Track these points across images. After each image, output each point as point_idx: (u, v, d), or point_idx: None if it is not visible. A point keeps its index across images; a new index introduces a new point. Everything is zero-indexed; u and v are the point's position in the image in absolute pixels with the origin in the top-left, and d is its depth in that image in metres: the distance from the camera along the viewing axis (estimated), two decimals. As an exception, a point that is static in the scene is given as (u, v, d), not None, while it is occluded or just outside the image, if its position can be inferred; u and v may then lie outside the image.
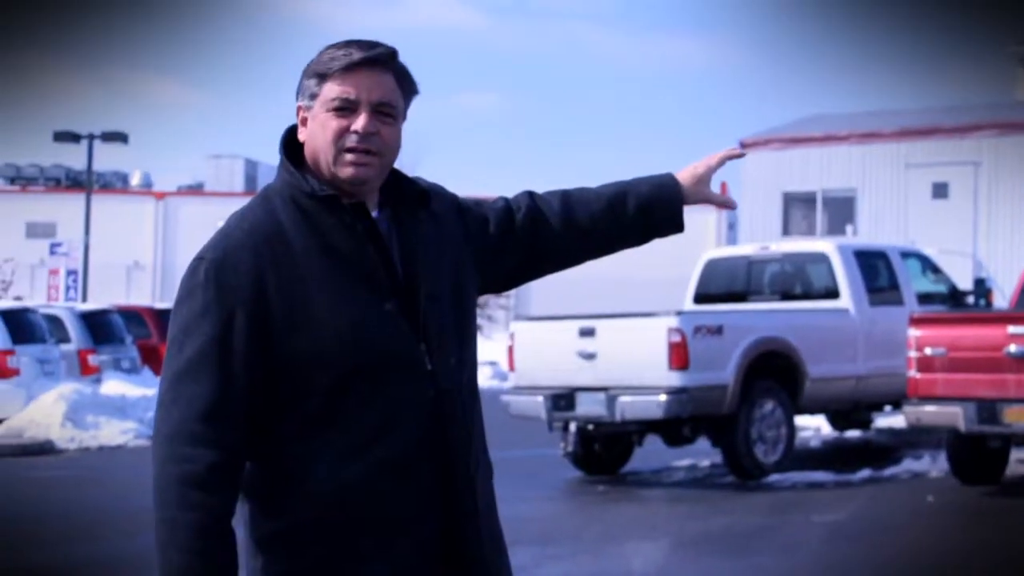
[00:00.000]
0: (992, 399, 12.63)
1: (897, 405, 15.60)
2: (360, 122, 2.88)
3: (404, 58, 3.01)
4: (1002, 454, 13.70)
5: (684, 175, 3.31)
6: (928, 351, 13.05)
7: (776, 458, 14.46)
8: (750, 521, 11.79)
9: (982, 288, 17.12)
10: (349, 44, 2.92)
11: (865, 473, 14.46)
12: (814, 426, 19.05)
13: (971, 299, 17.05)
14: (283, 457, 2.85)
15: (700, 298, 16.63)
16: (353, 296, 2.86)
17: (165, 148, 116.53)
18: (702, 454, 15.88)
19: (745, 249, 17.52)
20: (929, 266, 17.41)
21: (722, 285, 16.66)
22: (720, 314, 14.93)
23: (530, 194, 3.29)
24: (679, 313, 14.30)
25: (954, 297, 17.00)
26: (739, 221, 30.32)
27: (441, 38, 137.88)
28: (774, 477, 14.26)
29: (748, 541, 10.80)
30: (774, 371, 14.67)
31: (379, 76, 2.91)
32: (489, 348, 49.64)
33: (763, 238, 23.98)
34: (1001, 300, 20.18)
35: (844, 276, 15.83)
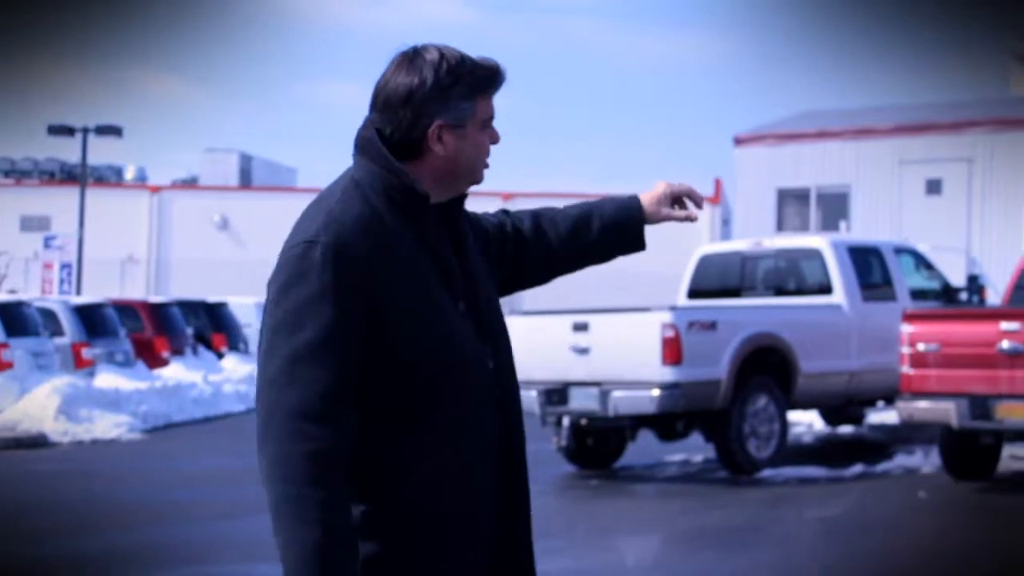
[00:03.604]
0: (985, 395, 12.66)
1: (890, 401, 15.63)
2: (497, 134, 3.06)
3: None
4: (994, 450, 13.73)
5: (647, 197, 3.48)
6: (921, 347, 13.07)
7: (769, 453, 14.48)
8: (743, 516, 11.81)
9: (975, 285, 17.13)
10: (480, 62, 3.02)
11: (857, 469, 14.48)
12: (807, 421, 19.07)
13: (964, 295, 17.06)
14: (375, 444, 2.92)
15: (694, 293, 16.64)
16: (440, 295, 2.96)
17: (159, 142, 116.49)
18: (695, 449, 15.90)
19: (739, 245, 17.52)
20: (922, 262, 17.43)
21: (716, 280, 16.68)
22: (713, 309, 14.94)
23: (507, 212, 3.44)
24: (673, 308, 14.31)
25: (947, 293, 17.02)
26: (733, 217, 30.33)
27: (434, 35, 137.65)
28: (767, 472, 14.27)
29: (741, 536, 10.82)
30: (767, 366, 14.68)
31: None
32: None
33: (757, 234, 23.96)
34: (994, 297, 20.21)
35: (837, 272, 15.85)
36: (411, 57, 3.01)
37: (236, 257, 55.36)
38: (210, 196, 57.22)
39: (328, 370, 2.83)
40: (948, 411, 12.82)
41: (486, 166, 3.07)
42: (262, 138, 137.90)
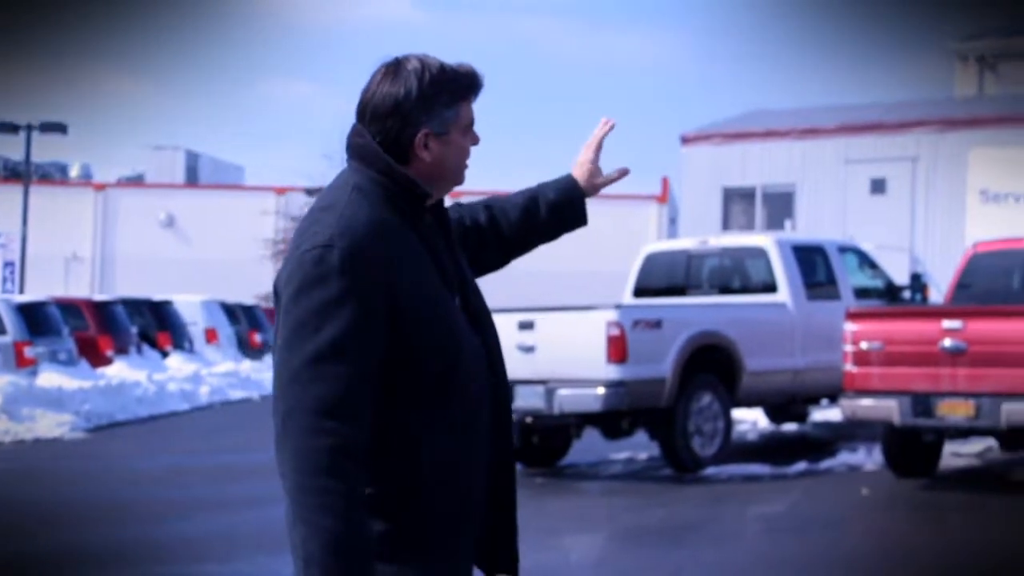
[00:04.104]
0: (927, 393, 12.74)
1: (833, 399, 15.71)
2: (477, 137, 3.25)
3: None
4: (936, 447, 13.84)
5: (579, 173, 3.77)
6: (864, 345, 13.15)
7: (713, 451, 14.52)
8: (686, 513, 11.85)
9: (918, 283, 17.25)
10: (464, 72, 3.19)
11: (801, 466, 14.55)
12: (751, 419, 19.14)
13: (907, 294, 17.18)
14: (396, 430, 3.09)
15: (640, 292, 16.67)
16: (441, 291, 3.15)
17: (105, 139, 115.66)
18: (640, 447, 15.93)
19: (684, 243, 17.56)
20: (866, 261, 17.53)
21: (661, 279, 16.72)
22: (659, 308, 14.97)
23: (461, 206, 3.67)
24: (618, 307, 14.33)
25: (890, 292, 17.13)
26: (680, 215, 30.41)
27: (384, 34, 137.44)
28: (711, 470, 14.32)
29: (684, 533, 10.85)
30: (712, 364, 14.72)
31: None
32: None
33: (703, 232, 24.03)
34: (937, 295, 20.34)
35: (782, 270, 15.91)
36: (394, 68, 3.16)
37: (182, 255, 55.05)
38: (156, 194, 56.89)
39: (348, 369, 2.98)
40: (891, 409, 12.90)
41: (467, 167, 3.25)
42: (210, 136, 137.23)
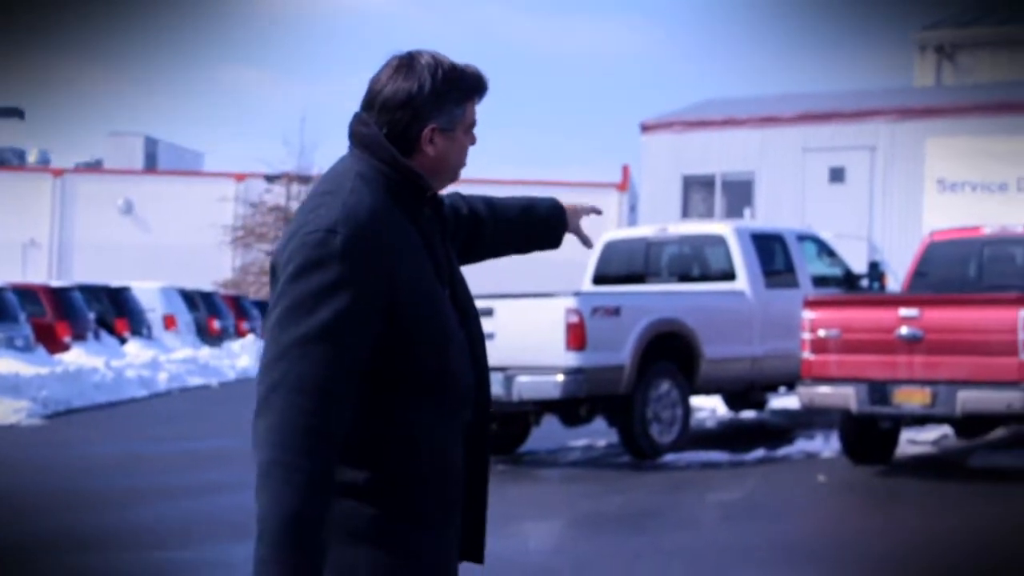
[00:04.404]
0: (883, 380, 12.82)
1: (791, 386, 15.77)
2: (475, 137, 3.34)
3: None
4: (892, 435, 13.92)
5: (567, 206, 3.98)
6: (822, 333, 13.21)
7: (672, 438, 14.57)
8: (645, 500, 11.89)
9: (876, 271, 17.33)
10: (472, 72, 3.29)
11: (759, 453, 14.62)
12: (710, 407, 19.21)
13: (865, 282, 17.26)
14: (396, 416, 3.17)
15: (599, 279, 16.70)
16: (436, 285, 3.25)
17: (63, 125, 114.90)
18: (598, 434, 15.97)
19: (644, 231, 17.59)
20: (825, 249, 17.60)
21: (621, 266, 16.75)
22: (618, 295, 14.99)
23: (462, 196, 3.77)
24: (577, 294, 14.35)
25: (848, 280, 17.21)
26: (640, 203, 30.48)
27: (349, 20, 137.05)
28: (669, 457, 14.37)
29: (643, 520, 10.89)
30: (671, 352, 14.77)
31: None
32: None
33: (663, 220, 24.08)
34: (894, 283, 20.47)
35: (741, 258, 15.97)
36: (408, 62, 3.25)
37: (140, 241, 54.80)
38: (114, 180, 56.58)
39: (335, 352, 3.03)
40: (848, 396, 12.97)
41: (464, 166, 3.35)
42: (168, 122, 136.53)
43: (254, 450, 3.03)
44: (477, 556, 3.45)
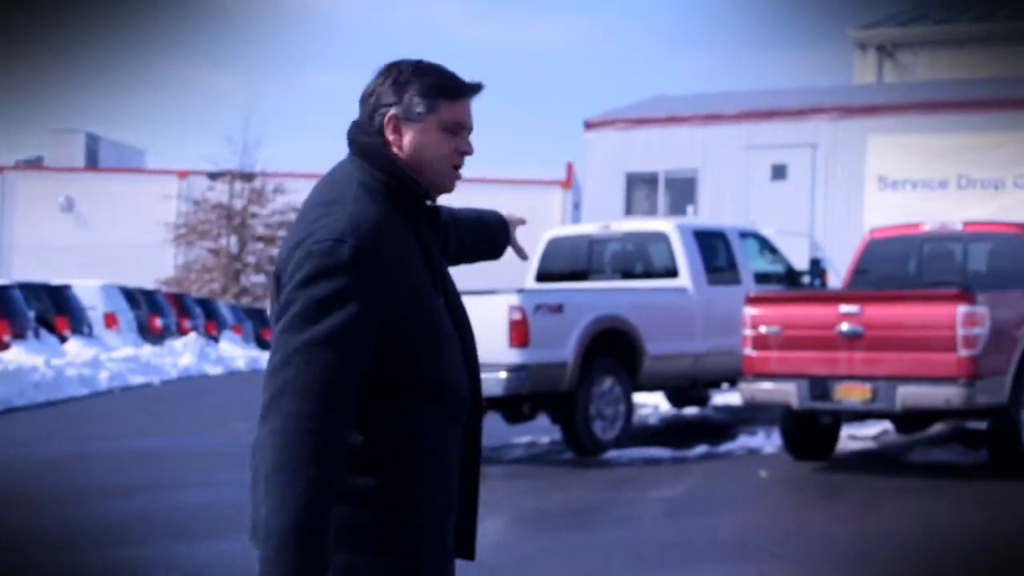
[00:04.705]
0: (824, 377, 12.90)
1: (734, 382, 15.85)
2: (469, 146, 3.40)
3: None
4: (833, 430, 14.01)
5: (507, 218, 4.16)
6: (763, 329, 13.28)
7: (614, 435, 14.61)
8: (588, 497, 11.91)
9: (817, 268, 17.44)
10: (449, 73, 3.40)
11: (701, 449, 14.68)
12: (653, 403, 19.28)
13: (806, 279, 17.37)
14: (395, 424, 3.27)
15: (542, 276, 16.71)
16: (433, 292, 3.35)
17: (3, 122, 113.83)
18: (541, 431, 15.99)
19: (587, 228, 17.62)
20: (767, 246, 17.69)
21: (564, 263, 16.76)
22: (561, 292, 15.01)
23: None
24: (520, 291, 14.36)
25: (790, 277, 17.31)
26: (584, 200, 30.53)
27: (291, 14, 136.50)
28: (612, 453, 14.40)
29: (586, 516, 10.91)
30: (613, 349, 14.80)
31: (470, 104, 3.43)
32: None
33: (606, 217, 24.13)
34: (835, 280, 20.58)
35: (683, 255, 16.02)
36: (389, 65, 3.41)
37: (81, 239, 54.42)
38: (55, 177, 56.19)
39: (340, 360, 3.11)
40: (789, 392, 13.05)
41: (457, 177, 3.41)
42: (110, 119, 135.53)
43: (259, 451, 3.12)
44: (468, 553, 3.54)
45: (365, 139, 3.38)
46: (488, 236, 4.08)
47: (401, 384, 3.27)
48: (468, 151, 3.41)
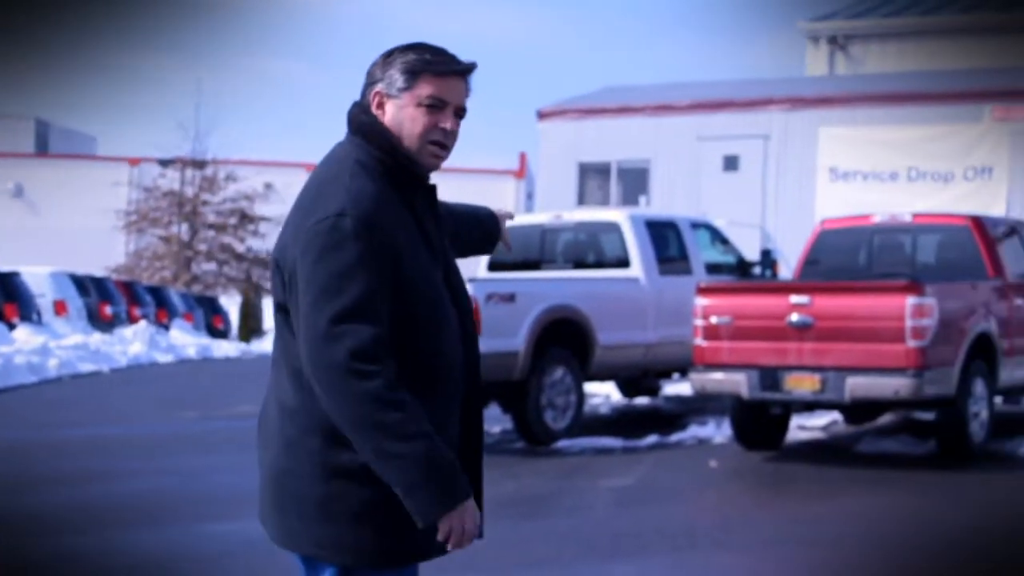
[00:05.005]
0: (774, 367, 12.96)
1: (685, 372, 15.90)
2: (448, 122, 3.48)
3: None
4: (783, 421, 14.09)
5: (496, 214, 4.24)
6: (714, 320, 13.33)
7: (566, 424, 14.64)
8: (539, 486, 11.93)
9: (768, 259, 17.52)
10: (437, 51, 3.50)
11: (652, 439, 14.72)
12: (604, 393, 19.32)
13: (757, 270, 17.44)
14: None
15: (494, 266, 16.71)
16: (429, 262, 3.47)
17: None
18: (492, 420, 16.00)
19: (539, 217, 17.62)
20: (718, 237, 17.75)
21: (516, 253, 16.75)
22: (512, 282, 15.02)
23: None
24: (471, 280, 14.34)
25: (741, 267, 17.38)
26: (536, 190, 30.55)
27: (243, 3, 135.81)
28: (563, 443, 14.43)
29: (536, 506, 10.93)
30: (565, 338, 14.82)
31: (461, 84, 3.51)
32: (285, 315, 49.26)
33: (559, 207, 24.16)
34: (786, 271, 20.69)
35: (635, 245, 16.05)
36: (393, 47, 3.54)
37: (31, 226, 54.05)
38: (4, 164, 55.75)
39: (370, 323, 3.28)
40: (739, 382, 13.10)
41: (436, 154, 3.50)
42: (60, 105, 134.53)
43: (344, 427, 3.29)
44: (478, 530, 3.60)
45: (362, 118, 3.50)
46: (481, 230, 4.16)
47: (400, 357, 3.36)
48: (445, 127, 3.48)
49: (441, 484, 3.27)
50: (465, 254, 4.13)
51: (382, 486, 3.34)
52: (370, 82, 3.52)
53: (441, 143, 3.49)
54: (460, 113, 3.53)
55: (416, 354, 3.40)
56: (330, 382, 3.27)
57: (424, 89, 3.45)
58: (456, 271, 3.63)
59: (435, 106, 3.46)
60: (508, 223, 4.38)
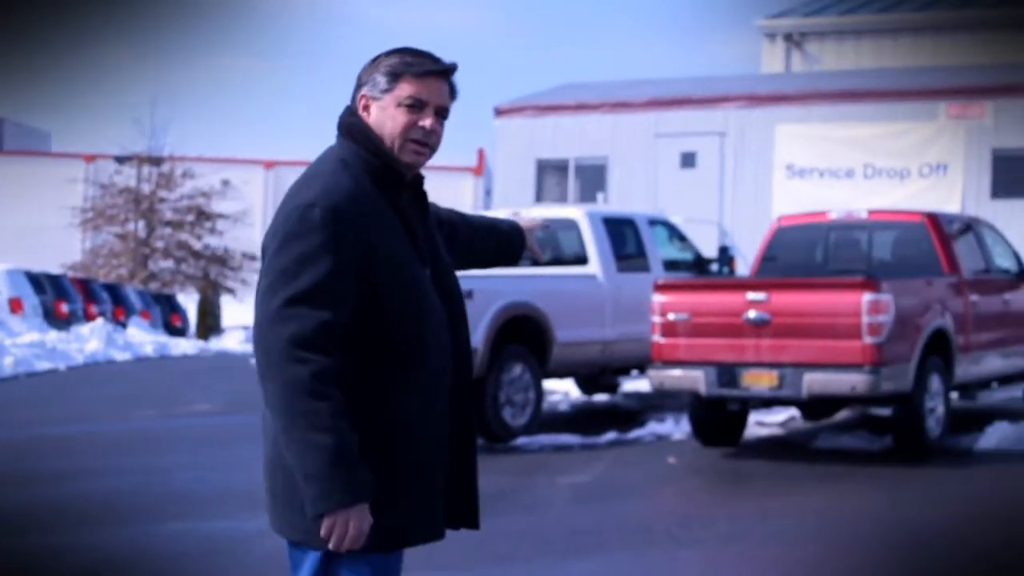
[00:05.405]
0: (732, 364, 13.01)
1: (643, 369, 15.94)
2: (427, 121, 3.64)
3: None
4: (741, 417, 14.14)
5: (524, 226, 4.42)
6: (671, 316, 13.37)
7: (524, 421, 14.65)
8: (497, 483, 11.93)
9: (725, 256, 17.58)
10: (419, 54, 3.68)
11: (611, 436, 14.76)
12: (563, 390, 19.34)
13: (715, 266, 17.50)
14: (363, 382, 3.53)
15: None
16: (412, 257, 3.61)
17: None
18: (452, 418, 15.96)
19: (497, 215, 17.60)
20: (676, 234, 17.79)
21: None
22: (470, 279, 14.97)
23: (438, 206, 4.14)
24: (430, 278, 14.32)
25: (698, 264, 17.43)
26: (494, 187, 30.56)
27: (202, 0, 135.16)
28: (522, 440, 14.45)
29: (495, 503, 10.92)
30: (523, 336, 14.83)
31: (442, 85, 3.68)
32: (242, 312, 49.12)
33: (517, 204, 24.19)
34: (743, 267, 20.76)
35: (593, 243, 16.08)
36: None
37: (-15, 222, 53.62)
38: (-42, 161, 55.33)
39: (321, 310, 3.44)
40: (697, 379, 13.15)
41: (417, 151, 3.66)
42: (14, 101, 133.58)
43: (269, 409, 3.47)
44: (471, 522, 3.83)
45: (349, 119, 3.70)
46: (500, 242, 4.32)
47: (376, 343, 3.53)
48: (425, 125, 3.64)
49: (336, 481, 3.38)
50: (484, 264, 4.36)
51: (375, 472, 3.49)
52: (358, 86, 3.70)
53: (421, 141, 3.65)
54: (442, 113, 3.69)
55: (394, 341, 3.55)
56: (267, 362, 3.45)
57: (404, 90, 3.63)
58: (448, 272, 3.78)
59: (414, 106, 3.63)
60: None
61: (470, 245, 4.23)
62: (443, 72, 3.69)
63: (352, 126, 3.69)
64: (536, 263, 4.72)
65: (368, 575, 3.57)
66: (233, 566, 8.58)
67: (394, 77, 3.65)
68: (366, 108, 3.68)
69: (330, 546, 3.44)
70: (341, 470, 3.38)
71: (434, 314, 3.64)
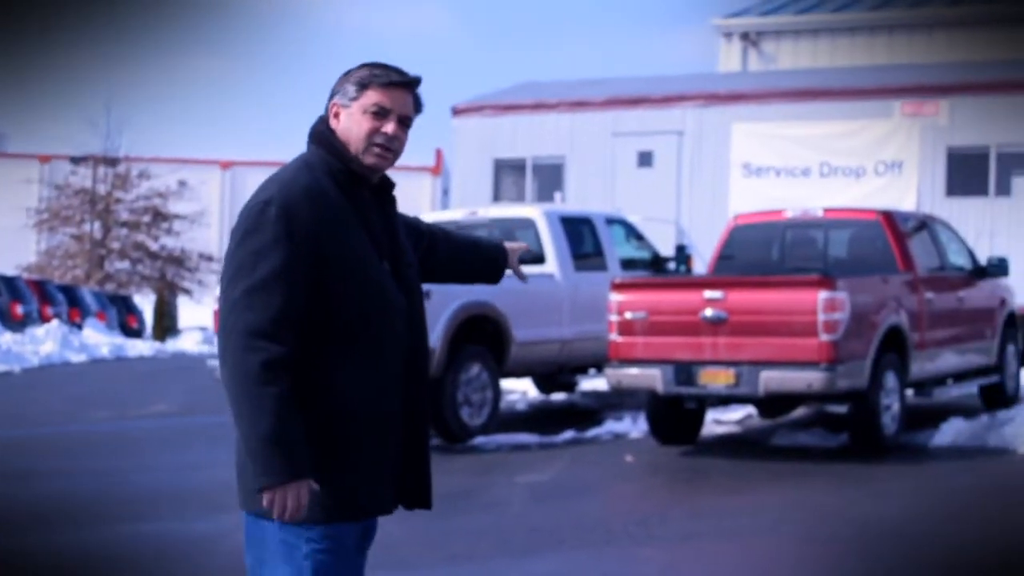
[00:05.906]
0: (689, 362, 13.04)
1: (601, 368, 15.96)
2: (389, 127, 3.92)
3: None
4: (698, 415, 14.18)
5: (507, 247, 4.65)
6: (629, 315, 13.39)
7: (482, 421, 14.64)
8: (455, 483, 11.92)
9: (683, 254, 17.62)
10: (387, 67, 3.96)
11: (568, 435, 14.77)
12: (520, 389, 19.35)
13: (672, 265, 17.53)
14: (312, 364, 3.77)
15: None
16: (369, 253, 3.85)
17: None
18: (410, 417, 15.94)
19: (455, 214, 17.59)
20: (633, 233, 17.81)
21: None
22: (428, 279, 14.96)
23: (419, 219, 4.44)
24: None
25: (656, 263, 17.45)
26: (452, 186, 30.54)
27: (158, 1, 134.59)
28: (479, 439, 14.44)
29: (453, 502, 10.92)
30: (481, 335, 14.82)
31: (406, 96, 3.97)
32: (199, 313, 48.94)
33: (475, 203, 24.17)
34: (700, 266, 20.82)
35: (550, 242, 16.08)
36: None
37: (-60, 224, 53.24)
38: (-85, 163, 54.95)
39: (276, 300, 3.70)
40: (654, 377, 13.17)
41: (380, 155, 3.92)
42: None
43: (225, 390, 3.71)
44: (424, 502, 4.02)
45: (318, 127, 3.98)
46: (480, 260, 4.57)
47: (330, 329, 3.78)
48: (387, 131, 3.91)
49: (276, 459, 3.62)
50: (465, 280, 4.62)
51: (323, 448, 3.75)
52: (331, 95, 3.98)
53: (384, 146, 3.92)
54: (405, 122, 3.97)
55: (346, 326, 3.79)
56: (225, 347, 3.71)
57: (370, 98, 3.92)
58: (409, 265, 4.01)
59: (379, 113, 3.91)
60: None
61: (451, 259, 4.48)
62: (407, 84, 3.97)
63: (320, 133, 3.97)
64: (523, 281, 4.76)
65: (320, 543, 3.80)
66: (189, 569, 8.54)
67: (362, 87, 3.93)
68: (336, 115, 3.96)
69: (274, 517, 3.69)
70: (280, 449, 3.62)
71: (391, 304, 3.88)
